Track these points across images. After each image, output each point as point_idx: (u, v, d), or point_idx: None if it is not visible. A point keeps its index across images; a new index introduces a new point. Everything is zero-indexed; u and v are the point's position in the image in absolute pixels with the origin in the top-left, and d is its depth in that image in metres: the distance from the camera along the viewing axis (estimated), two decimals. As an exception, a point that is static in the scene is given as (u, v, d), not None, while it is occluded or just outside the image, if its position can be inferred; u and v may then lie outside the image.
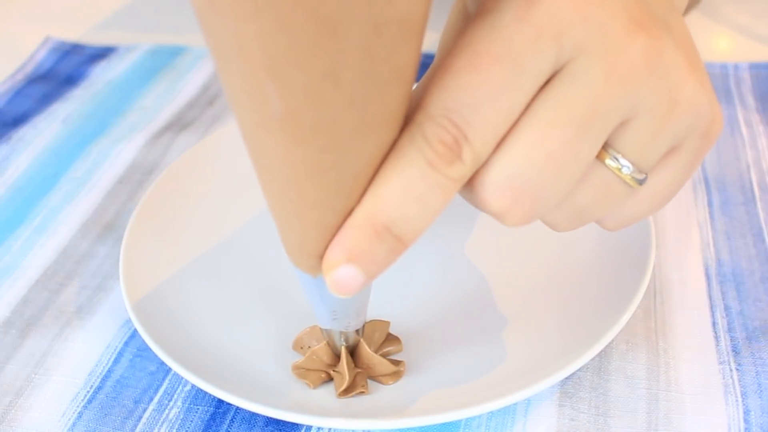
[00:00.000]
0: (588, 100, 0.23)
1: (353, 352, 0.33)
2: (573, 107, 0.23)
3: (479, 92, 0.22)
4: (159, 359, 0.35)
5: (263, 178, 0.25)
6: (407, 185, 0.23)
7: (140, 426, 0.33)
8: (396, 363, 0.33)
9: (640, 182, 0.25)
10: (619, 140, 0.24)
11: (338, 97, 0.22)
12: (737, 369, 0.33)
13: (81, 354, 0.36)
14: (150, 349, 0.36)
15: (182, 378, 0.35)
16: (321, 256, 0.25)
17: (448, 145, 0.23)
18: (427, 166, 0.23)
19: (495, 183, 0.24)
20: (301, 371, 0.33)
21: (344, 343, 0.33)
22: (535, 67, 0.22)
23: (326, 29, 0.20)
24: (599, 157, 0.25)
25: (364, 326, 0.33)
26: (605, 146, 0.24)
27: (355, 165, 0.23)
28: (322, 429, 0.32)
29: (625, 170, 0.25)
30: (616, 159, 0.25)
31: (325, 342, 0.33)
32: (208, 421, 0.33)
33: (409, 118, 0.24)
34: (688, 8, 0.58)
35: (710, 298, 0.37)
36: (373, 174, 0.24)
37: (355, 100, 0.22)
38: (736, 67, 0.52)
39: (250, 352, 0.34)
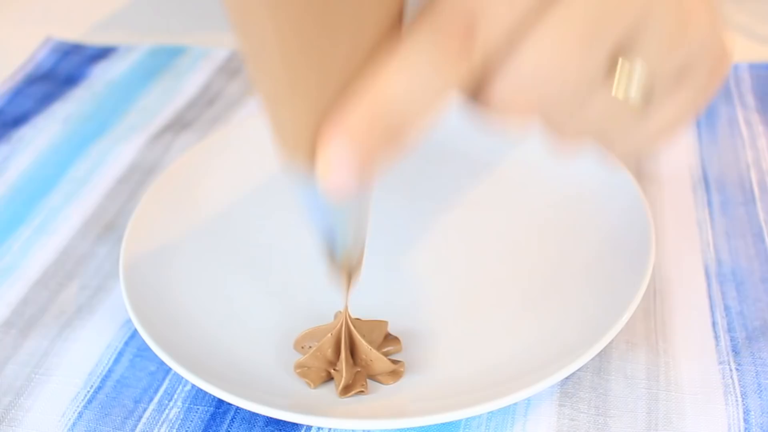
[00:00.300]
0: (598, 2, 0.22)
1: (352, 350, 0.33)
2: (583, 10, 0.22)
3: None
4: (159, 359, 0.35)
5: (255, 63, 0.24)
6: (410, 71, 0.22)
7: (140, 426, 0.33)
8: (395, 363, 0.33)
9: (647, 102, 0.24)
10: (628, 54, 0.24)
11: None
12: (737, 369, 0.33)
13: (81, 354, 0.36)
14: (150, 349, 0.36)
15: (182, 378, 0.35)
16: (314, 146, 0.24)
17: (458, 33, 0.22)
18: (433, 54, 0.22)
19: (502, 83, 0.23)
20: (303, 370, 0.33)
21: (344, 266, 0.31)
22: None
23: None
24: (608, 72, 0.24)
25: (362, 262, 0.31)
26: (614, 61, 0.24)
27: (353, 42, 0.23)
28: (322, 429, 0.32)
29: (633, 86, 0.24)
30: (625, 74, 0.24)
31: (329, 335, 0.33)
32: (208, 421, 0.33)
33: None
34: None
35: (710, 298, 0.37)
36: (372, 53, 0.23)
37: None
38: (736, 67, 0.52)
39: (250, 352, 0.34)
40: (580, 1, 0.22)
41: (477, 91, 0.24)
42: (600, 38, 0.23)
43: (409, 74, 0.22)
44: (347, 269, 0.31)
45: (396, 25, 0.23)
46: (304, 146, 0.24)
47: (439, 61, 0.22)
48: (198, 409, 0.33)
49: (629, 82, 0.24)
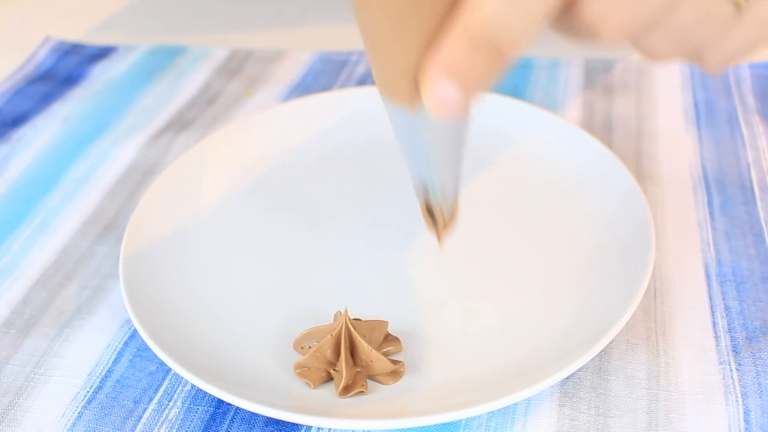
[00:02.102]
0: None
1: (352, 351, 0.33)
2: None
3: None
4: (159, 359, 0.35)
5: (360, 9, 0.24)
6: None
7: (140, 426, 0.33)
8: (395, 363, 0.33)
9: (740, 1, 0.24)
10: None
11: None
12: (737, 369, 0.33)
13: (81, 354, 0.36)
14: (150, 349, 0.36)
15: (182, 378, 0.35)
16: (419, 81, 0.24)
17: None
18: None
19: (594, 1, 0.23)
20: (303, 370, 0.33)
21: (441, 203, 0.30)
22: None
23: None
24: None
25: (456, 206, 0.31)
26: None
27: None
28: (322, 429, 0.32)
29: None
30: None
31: (329, 335, 0.33)
32: (208, 421, 0.33)
33: None
34: None
35: (710, 298, 0.37)
36: None
37: None
38: (736, 66, 0.52)
39: (250, 352, 0.34)
40: None
41: (565, 10, 0.23)
42: None
43: None
44: (443, 209, 0.30)
45: None
46: (409, 81, 0.24)
47: None
48: (198, 409, 0.33)
49: None
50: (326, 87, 0.54)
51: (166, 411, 0.33)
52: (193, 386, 0.34)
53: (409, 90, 0.25)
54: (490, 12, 0.22)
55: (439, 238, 0.31)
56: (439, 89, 0.23)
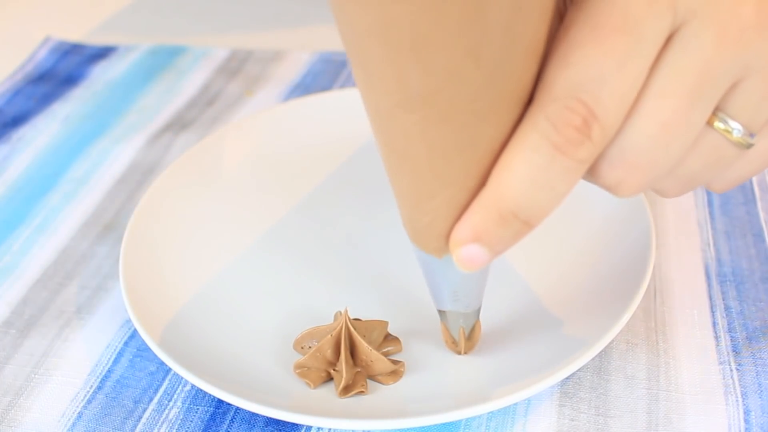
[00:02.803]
0: (699, 66, 0.23)
1: (352, 351, 0.33)
2: (685, 76, 0.23)
3: (605, 64, 0.22)
4: (159, 359, 0.35)
5: (395, 161, 0.25)
6: (534, 172, 0.23)
7: (140, 426, 0.33)
8: (395, 363, 0.33)
9: (749, 144, 0.25)
10: (729, 103, 0.24)
11: (479, 74, 0.22)
12: (737, 369, 0.33)
13: (81, 354, 0.36)
14: (150, 349, 0.36)
15: (182, 378, 0.35)
16: (448, 236, 0.26)
17: (577, 127, 0.22)
18: (554, 152, 0.23)
19: (609, 157, 0.24)
20: (303, 370, 0.33)
21: (462, 326, 0.32)
22: (653, 32, 0.22)
23: (471, 6, 0.20)
24: (709, 121, 0.24)
25: (479, 310, 0.33)
26: (715, 110, 0.24)
27: (490, 142, 0.24)
28: (322, 429, 0.32)
29: (735, 133, 0.25)
30: (726, 122, 0.24)
31: (329, 335, 0.33)
32: (208, 421, 0.33)
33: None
34: None
35: (710, 298, 0.37)
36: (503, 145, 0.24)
37: (494, 77, 0.22)
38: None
39: (250, 352, 0.34)
40: (683, 63, 0.23)
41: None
42: (703, 97, 0.23)
43: (529, 170, 0.23)
44: (464, 330, 0.33)
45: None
46: (440, 236, 0.26)
47: (557, 155, 0.23)
48: (198, 409, 0.33)
49: (730, 129, 0.25)
50: (326, 87, 0.54)
51: (166, 411, 0.33)
52: (193, 386, 0.34)
53: (437, 244, 0.27)
54: (518, 192, 0.23)
55: (461, 353, 0.33)
56: (468, 251, 0.25)
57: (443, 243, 0.26)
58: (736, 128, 0.25)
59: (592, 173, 0.25)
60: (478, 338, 0.34)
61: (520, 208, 0.24)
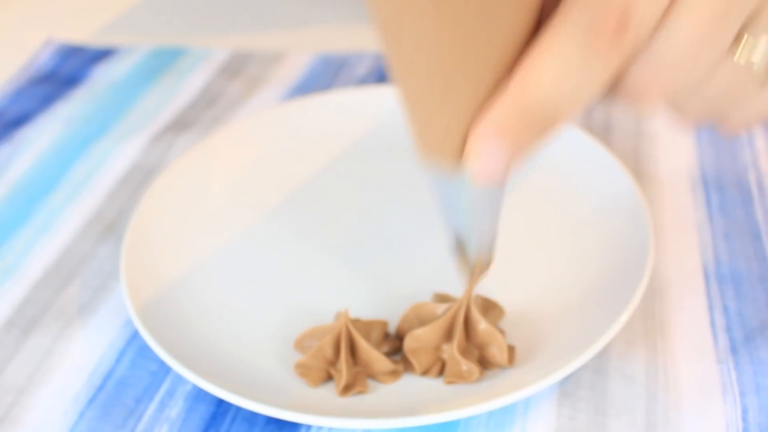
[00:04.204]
0: None
1: (352, 350, 0.33)
2: None
3: None
4: (160, 359, 0.35)
5: (406, 71, 0.24)
6: (564, 64, 0.22)
7: (141, 425, 0.33)
8: (395, 363, 0.33)
9: None
10: (752, 28, 0.24)
11: None
12: (735, 368, 0.33)
13: (83, 353, 0.36)
14: (151, 349, 0.36)
15: (183, 377, 0.35)
16: (466, 142, 0.25)
17: (612, 27, 0.22)
18: (586, 45, 0.22)
19: (637, 63, 0.24)
20: (303, 370, 0.33)
21: (477, 254, 0.31)
22: None
23: None
24: (732, 48, 0.25)
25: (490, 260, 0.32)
26: (738, 37, 0.25)
27: (504, 42, 0.23)
28: (322, 429, 0.32)
29: (758, 57, 0.25)
30: (749, 48, 0.25)
31: (329, 335, 0.33)
32: (209, 420, 0.33)
33: None
34: None
35: (709, 297, 0.37)
36: (522, 51, 0.23)
37: None
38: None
39: (250, 351, 0.35)
40: None
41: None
42: (733, 17, 0.23)
43: (560, 66, 0.22)
44: (477, 263, 0.31)
45: (538, 19, 0.24)
46: (453, 143, 0.25)
47: (590, 53, 0.22)
48: (199, 408, 0.34)
49: (754, 54, 0.25)
50: (326, 87, 0.54)
51: (168, 410, 0.34)
52: (194, 386, 0.34)
53: (452, 149, 0.25)
54: (546, 88, 0.23)
55: (471, 285, 0.32)
56: (487, 150, 0.24)
57: (457, 148, 0.25)
58: (757, 55, 0.25)
59: (616, 80, 0.24)
60: (490, 269, 0.32)
61: (548, 104, 0.23)
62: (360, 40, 0.59)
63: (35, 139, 0.51)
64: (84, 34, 0.63)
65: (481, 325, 0.33)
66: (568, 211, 0.41)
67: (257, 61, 0.58)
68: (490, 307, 0.35)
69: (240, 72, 0.57)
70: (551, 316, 0.35)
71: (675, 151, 0.46)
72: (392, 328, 0.35)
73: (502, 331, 0.33)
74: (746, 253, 0.39)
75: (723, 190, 0.43)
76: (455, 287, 0.37)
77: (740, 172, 0.44)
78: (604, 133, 0.47)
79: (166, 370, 0.35)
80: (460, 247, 0.31)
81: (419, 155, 0.26)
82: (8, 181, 0.47)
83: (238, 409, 0.33)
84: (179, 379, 0.35)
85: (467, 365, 0.32)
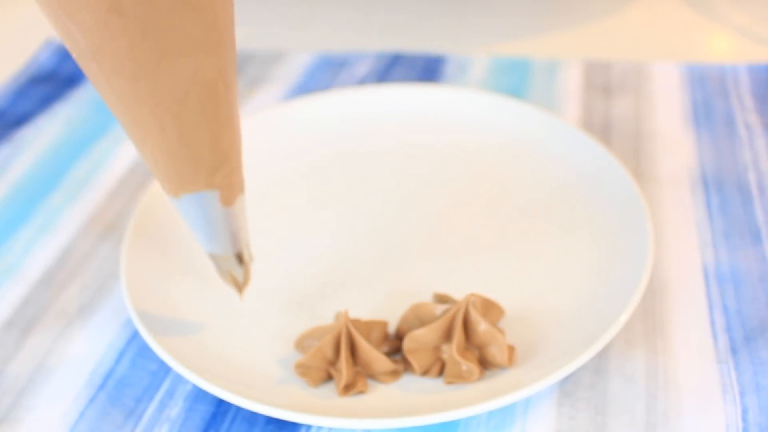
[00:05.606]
0: None
1: (352, 350, 0.33)
2: None
3: None
4: (160, 359, 0.35)
5: (110, 109, 0.28)
6: None
7: (141, 425, 0.33)
8: (395, 362, 0.33)
9: None
10: None
11: (128, 27, 0.24)
12: (735, 368, 0.33)
13: (83, 353, 0.36)
14: (151, 349, 0.36)
15: (183, 377, 0.35)
16: (172, 178, 0.29)
17: None
18: None
19: None
20: (303, 370, 0.33)
21: (228, 269, 0.34)
22: None
23: None
24: None
25: (248, 253, 0.34)
26: None
27: (173, 91, 0.25)
28: (322, 429, 0.32)
29: None
30: None
31: (329, 335, 0.33)
32: (209, 420, 0.33)
33: None
34: None
35: (708, 297, 0.37)
36: (201, 97, 0.26)
37: (146, 29, 0.24)
38: (734, 68, 0.52)
39: (250, 351, 0.35)
40: None
41: None
42: None
43: None
44: (231, 272, 0.34)
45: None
46: (164, 178, 0.30)
47: None
48: (199, 408, 0.34)
49: None
50: (326, 87, 0.54)
51: (167, 410, 0.34)
52: (194, 385, 0.34)
53: (167, 185, 0.30)
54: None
55: (241, 295, 0.35)
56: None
57: (171, 184, 0.29)
58: None
59: None
60: (249, 280, 0.35)
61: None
62: (360, 40, 0.59)
63: (35, 138, 0.51)
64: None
65: (481, 325, 0.33)
66: (568, 211, 0.41)
67: (257, 61, 0.58)
68: (490, 307, 0.35)
69: (240, 72, 0.57)
70: (551, 316, 0.35)
71: (675, 151, 0.46)
72: (392, 328, 0.35)
73: (502, 331, 0.33)
74: (746, 253, 0.39)
75: (723, 189, 0.43)
76: (455, 287, 0.37)
77: (740, 172, 0.44)
78: (604, 133, 0.47)
79: (166, 370, 0.35)
80: (215, 261, 0.34)
81: (167, 191, 0.30)
82: (8, 180, 0.47)
83: (238, 409, 0.33)
84: (179, 379, 0.35)
85: (467, 365, 0.32)
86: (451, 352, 0.33)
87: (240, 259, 0.34)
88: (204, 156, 0.29)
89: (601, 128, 0.48)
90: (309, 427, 0.32)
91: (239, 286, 0.35)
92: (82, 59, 0.25)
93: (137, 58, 0.24)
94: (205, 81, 0.26)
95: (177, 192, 0.30)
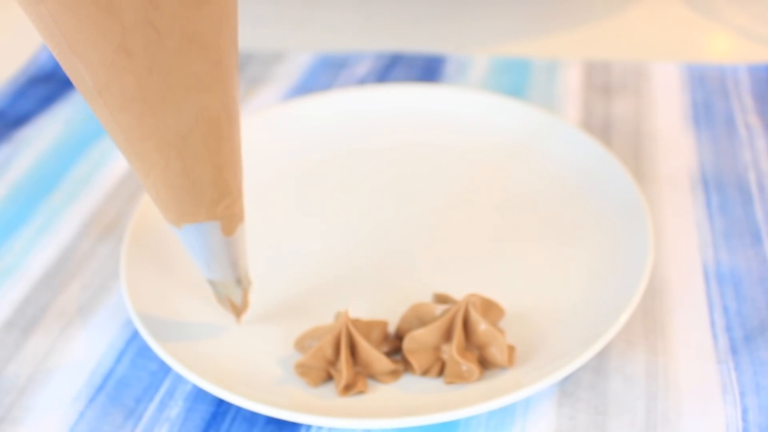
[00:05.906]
0: None
1: (352, 350, 0.33)
2: None
3: None
4: (160, 359, 0.35)
5: (115, 142, 0.28)
6: None
7: (141, 425, 0.33)
8: (395, 363, 0.33)
9: None
10: None
11: (135, 66, 0.24)
12: (735, 368, 0.33)
13: (83, 353, 0.36)
14: (151, 349, 0.36)
15: (183, 377, 0.35)
16: (175, 209, 0.29)
17: None
18: None
19: None
20: (303, 370, 0.33)
21: (227, 294, 0.34)
22: None
23: (103, 7, 0.23)
24: None
25: (248, 280, 0.35)
26: None
27: (178, 127, 0.26)
28: (322, 429, 0.32)
29: None
30: None
31: (329, 335, 0.33)
32: (209, 420, 0.33)
33: None
34: None
35: (708, 297, 0.37)
36: (205, 133, 0.27)
37: (153, 67, 0.24)
38: (734, 68, 0.52)
39: (250, 352, 0.35)
40: None
41: None
42: None
43: None
44: (230, 297, 0.35)
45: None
46: (166, 209, 0.30)
47: None
48: (199, 408, 0.34)
49: None
50: (326, 87, 0.54)
51: (167, 410, 0.34)
52: (194, 385, 0.34)
53: (169, 215, 0.31)
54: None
55: (239, 319, 0.36)
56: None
57: (173, 215, 0.30)
58: None
59: None
60: (248, 306, 0.35)
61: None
62: (360, 40, 0.59)
63: (35, 138, 0.51)
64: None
65: (481, 325, 0.33)
66: (568, 211, 0.41)
67: (257, 61, 0.58)
68: (490, 307, 0.35)
69: (240, 72, 0.57)
70: (551, 316, 0.35)
71: (675, 151, 0.46)
72: (392, 328, 0.35)
73: (502, 331, 0.33)
74: (746, 253, 0.39)
75: (723, 190, 0.43)
76: (455, 287, 0.37)
77: (740, 172, 0.44)
78: (604, 133, 0.47)
79: (166, 370, 0.35)
80: (214, 288, 0.34)
81: (168, 220, 0.31)
82: (8, 180, 0.47)
83: (238, 409, 0.33)
84: (179, 379, 0.35)
85: (467, 365, 0.32)
86: (451, 352, 0.33)
87: (239, 285, 0.34)
88: (206, 189, 0.29)
89: (601, 128, 0.48)
90: (309, 427, 0.32)
91: (237, 312, 0.35)
92: (88, 95, 0.25)
93: (143, 96, 0.25)
94: (210, 117, 0.27)
95: (178, 222, 0.31)
